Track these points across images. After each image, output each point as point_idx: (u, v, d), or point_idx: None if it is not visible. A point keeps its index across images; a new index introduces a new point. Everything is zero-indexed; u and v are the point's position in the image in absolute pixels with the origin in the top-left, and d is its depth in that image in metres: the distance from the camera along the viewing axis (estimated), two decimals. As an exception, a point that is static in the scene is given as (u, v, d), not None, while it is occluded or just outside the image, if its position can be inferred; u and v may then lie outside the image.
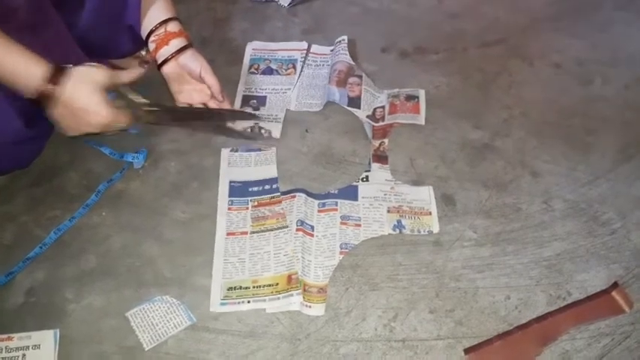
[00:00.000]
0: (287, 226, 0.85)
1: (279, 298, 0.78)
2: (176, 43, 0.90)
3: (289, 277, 0.80)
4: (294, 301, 0.77)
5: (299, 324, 0.76)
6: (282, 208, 0.88)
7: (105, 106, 0.74)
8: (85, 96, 0.73)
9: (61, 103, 0.73)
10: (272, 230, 0.85)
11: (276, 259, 0.82)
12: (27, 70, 0.70)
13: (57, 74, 0.72)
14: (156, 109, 0.86)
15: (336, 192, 0.90)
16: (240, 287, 0.79)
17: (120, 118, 0.77)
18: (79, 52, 0.88)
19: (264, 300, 0.78)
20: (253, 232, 0.86)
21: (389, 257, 0.82)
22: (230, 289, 0.79)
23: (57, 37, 0.82)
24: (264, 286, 0.79)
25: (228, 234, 0.85)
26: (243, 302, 0.78)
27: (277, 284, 0.79)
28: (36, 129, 0.84)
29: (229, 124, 0.97)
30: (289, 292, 0.78)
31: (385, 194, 0.89)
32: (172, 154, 0.96)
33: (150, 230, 0.86)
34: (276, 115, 1.02)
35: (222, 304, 0.78)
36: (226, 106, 0.95)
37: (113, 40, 0.96)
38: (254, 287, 0.79)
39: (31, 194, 0.91)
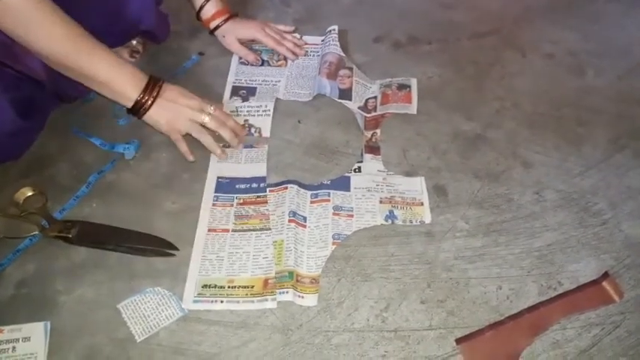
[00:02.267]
0: (269, 229, 0.84)
1: (253, 302, 0.76)
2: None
3: (266, 282, 0.78)
4: (269, 306, 0.76)
5: (291, 315, 0.76)
6: (267, 209, 0.87)
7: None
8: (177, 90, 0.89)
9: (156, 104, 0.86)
10: (254, 231, 0.84)
11: (255, 261, 0.81)
12: (133, 80, 0.84)
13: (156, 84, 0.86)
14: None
15: (329, 183, 0.90)
16: (215, 286, 0.78)
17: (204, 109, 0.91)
18: None
19: (238, 302, 0.77)
20: (235, 231, 0.85)
21: (381, 248, 0.82)
22: (205, 286, 0.78)
23: None
24: (239, 287, 0.78)
25: (209, 230, 0.84)
26: (216, 301, 0.77)
27: (253, 287, 0.78)
28: (30, 120, 0.83)
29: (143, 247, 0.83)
30: (264, 297, 0.77)
31: (377, 185, 0.89)
32: (164, 145, 0.96)
33: (141, 221, 0.85)
34: (266, 106, 1.01)
35: (195, 301, 0.77)
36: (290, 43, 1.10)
37: (105, 29, 0.95)
38: (229, 287, 0.78)
39: (21, 186, 0.90)
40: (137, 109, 0.85)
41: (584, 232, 0.84)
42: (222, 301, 0.77)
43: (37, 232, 0.81)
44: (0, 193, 0.89)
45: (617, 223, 0.85)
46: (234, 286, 0.79)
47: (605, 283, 0.77)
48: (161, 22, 1.09)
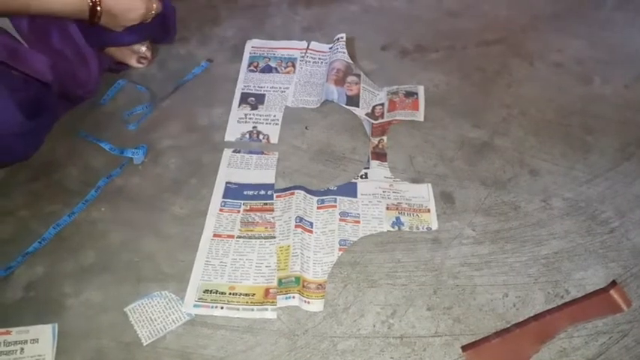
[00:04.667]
0: (274, 237, 0.84)
1: (252, 310, 0.77)
2: None
3: (267, 291, 0.79)
4: (268, 316, 0.76)
5: (297, 320, 0.76)
6: (273, 217, 0.87)
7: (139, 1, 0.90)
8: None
9: (104, 13, 0.86)
10: (259, 238, 0.85)
11: (258, 269, 0.81)
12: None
13: None
14: None
15: (335, 189, 0.91)
16: (217, 292, 0.79)
17: (151, 5, 0.93)
18: (78, 36, 0.89)
19: (238, 309, 0.77)
20: (240, 237, 0.85)
21: (387, 254, 0.82)
22: (206, 291, 0.79)
23: (56, 20, 0.84)
24: (240, 294, 0.78)
25: (214, 235, 0.85)
26: (216, 307, 0.77)
27: (254, 295, 0.78)
28: (36, 121, 0.85)
29: None
30: (264, 306, 0.77)
31: (384, 191, 0.90)
32: (172, 150, 0.97)
33: (149, 226, 0.86)
34: (274, 116, 1.02)
35: (196, 306, 0.77)
36: None
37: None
38: (230, 294, 0.78)
39: (30, 189, 0.91)
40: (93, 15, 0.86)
41: (591, 241, 0.84)
42: (222, 307, 0.77)
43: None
44: (9, 197, 0.90)
45: (625, 232, 0.85)
46: (235, 293, 0.79)
47: (612, 292, 0.77)
48: (168, 20, 1.10)
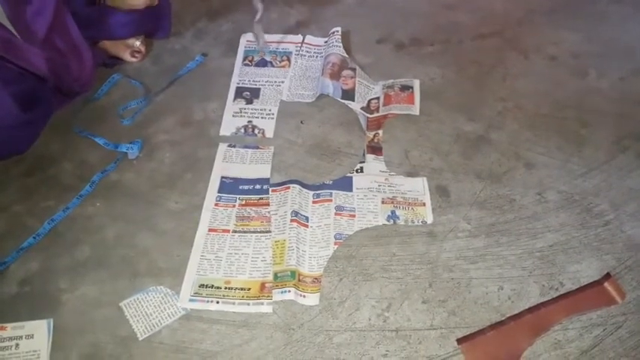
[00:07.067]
0: (270, 232, 0.85)
1: (249, 304, 0.77)
2: None
3: (263, 285, 0.79)
4: (264, 310, 0.76)
5: (293, 314, 0.76)
6: (269, 212, 0.87)
7: None
8: None
9: None
10: (255, 233, 0.85)
11: (253, 263, 0.81)
12: None
13: None
14: None
15: (331, 183, 0.90)
16: (212, 286, 0.79)
17: None
18: (73, 28, 0.90)
19: (234, 303, 0.77)
20: (235, 232, 0.85)
21: (383, 248, 0.82)
22: (202, 286, 0.79)
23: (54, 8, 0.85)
24: (236, 288, 0.79)
25: (210, 230, 0.85)
26: (212, 302, 0.77)
27: (249, 289, 0.78)
28: (32, 113, 0.85)
29: None
30: (260, 301, 0.77)
31: (379, 185, 0.90)
32: (167, 145, 0.96)
33: (144, 221, 0.86)
34: (270, 110, 1.02)
35: (192, 300, 0.77)
36: None
37: (107, 20, 0.97)
38: (225, 288, 0.79)
39: (25, 184, 0.91)
40: None
41: (586, 233, 0.84)
42: (217, 302, 0.77)
43: None
44: (3, 192, 0.89)
45: (619, 225, 0.85)
46: (231, 288, 0.79)
47: (606, 284, 0.77)
48: (161, 16, 1.10)
